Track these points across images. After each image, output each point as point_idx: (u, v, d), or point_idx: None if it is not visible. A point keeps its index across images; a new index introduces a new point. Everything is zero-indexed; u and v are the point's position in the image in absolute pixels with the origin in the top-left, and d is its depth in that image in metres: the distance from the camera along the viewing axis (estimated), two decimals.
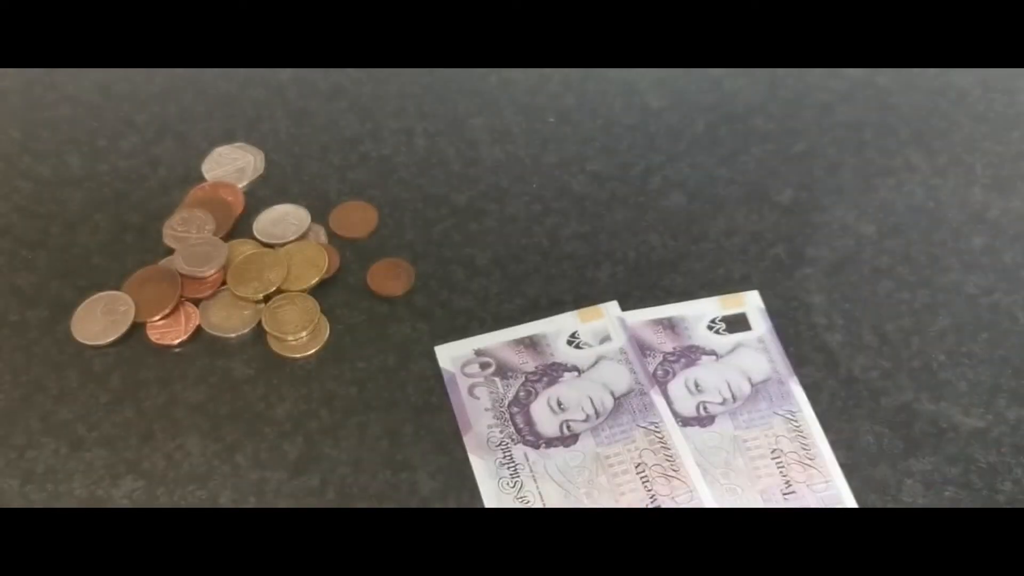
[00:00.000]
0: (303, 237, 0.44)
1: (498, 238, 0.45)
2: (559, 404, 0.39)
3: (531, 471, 0.37)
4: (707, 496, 0.36)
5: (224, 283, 0.42)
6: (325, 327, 0.41)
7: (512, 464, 0.37)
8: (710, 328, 0.41)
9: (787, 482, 0.37)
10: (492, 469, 0.37)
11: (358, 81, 0.52)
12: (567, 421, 0.38)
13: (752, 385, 0.39)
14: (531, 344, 0.41)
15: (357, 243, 0.45)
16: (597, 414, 0.38)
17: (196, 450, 0.38)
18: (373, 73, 0.52)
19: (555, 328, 0.41)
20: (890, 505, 0.36)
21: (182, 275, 0.42)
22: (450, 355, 0.40)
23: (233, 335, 0.41)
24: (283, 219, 0.45)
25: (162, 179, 0.47)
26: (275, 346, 0.41)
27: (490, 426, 0.38)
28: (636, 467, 0.37)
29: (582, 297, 0.43)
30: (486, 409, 0.38)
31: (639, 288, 0.43)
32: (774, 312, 0.42)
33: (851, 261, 0.44)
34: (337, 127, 0.49)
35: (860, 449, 0.38)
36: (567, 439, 0.38)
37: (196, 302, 0.42)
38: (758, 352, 0.40)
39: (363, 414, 0.39)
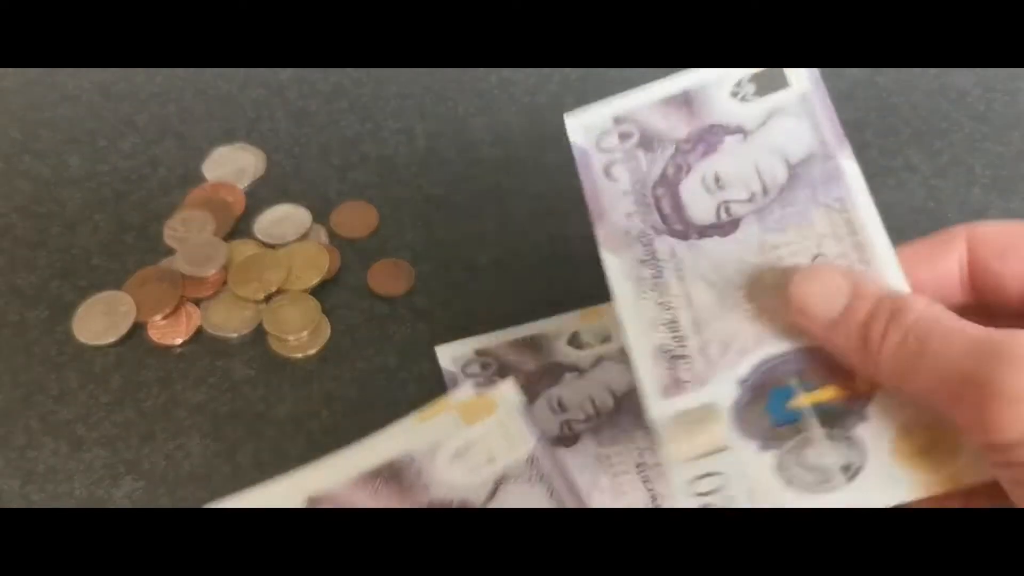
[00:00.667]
0: (304, 237, 0.44)
1: (498, 238, 0.45)
2: (559, 404, 0.39)
3: None
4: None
5: (225, 283, 0.42)
6: (326, 327, 0.41)
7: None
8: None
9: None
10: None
11: (358, 81, 0.52)
12: (568, 420, 0.38)
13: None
14: (532, 344, 0.40)
15: (357, 243, 0.45)
16: (598, 414, 0.38)
17: (196, 450, 0.38)
18: (373, 73, 0.52)
19: (555, 328, 0.40)
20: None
21: (183, 275, 0.42)
22: (451, 355, 0.40)
23: (234, 335, 0.41)
24: (284, 219, 0.45)
25: (162, 179, 0.47)
26: (276, 346, 0.41)
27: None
28: (636, 467, 0.37)
29: (583, 297, 0.43)
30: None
31: None
32: None
33: None
34: (337, 127, 0.49)
35: None
36: (567, 439, 0.38)
37: (197, 302, 0.42)
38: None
39: (363, 414, 0.39)
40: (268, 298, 0.42)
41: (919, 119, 0.51)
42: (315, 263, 0.43)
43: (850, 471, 0.26)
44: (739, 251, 0.28)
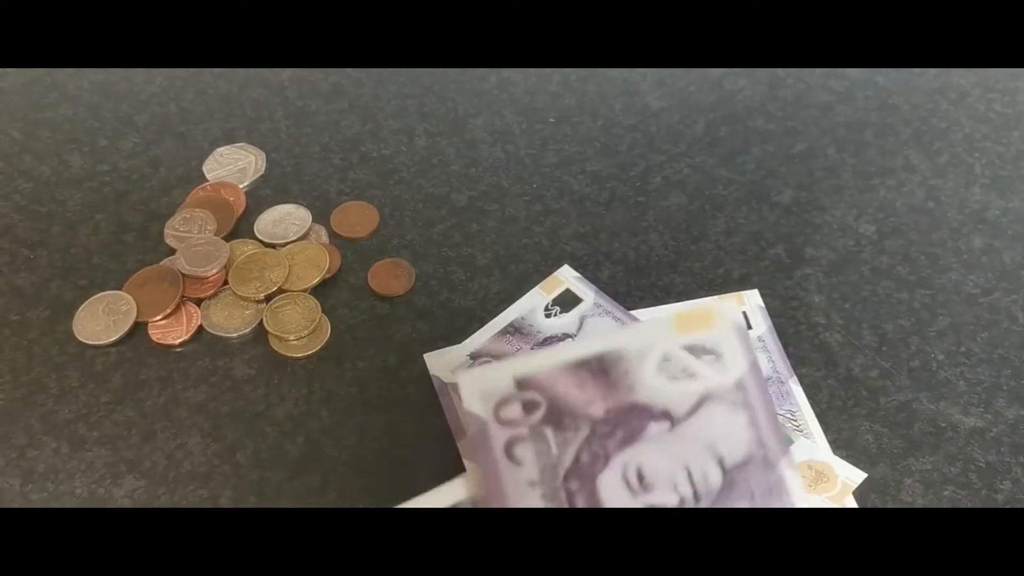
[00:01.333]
0: (304, 237, 0.44)
1: (498, 238, 0.45)
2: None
3: None
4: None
5: (225, 283, 0.42)
6: (326, 327, 0.41)
7: None
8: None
9: None
10: None
11: (358, 81, 0.52)
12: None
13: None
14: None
15: (358, 243, 0.45)
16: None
17: (197, 450, 0.38)
18: (373, 73, 0.52)
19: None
20: (890, 505, 0.36)
21: (183, 275, 0.42)
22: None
23: (234, 335, 0.41)
24: (284, 219, 0.45)
25: (163, 179, 0.47)
26: (276, 346, 0.41)
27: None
28: None
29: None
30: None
31: (639, 288, 0.43)
32: (774, 312, 0.42)
33: (851, 261, 0.44)
34: (337, 127, 0.49)
35: (860, 448, 0.38)
36: None
37: (197, 302, 0.42)
38: (758, 352, 0.40)
39: (363, 414, 0.39)
40: (268, 298, 0.42)
41: (919, 119, 0.51)
42: (315, 263, 0.43)
43: None
44: None
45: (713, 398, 0.28)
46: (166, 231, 0.44)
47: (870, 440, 0.38)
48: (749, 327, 0.41)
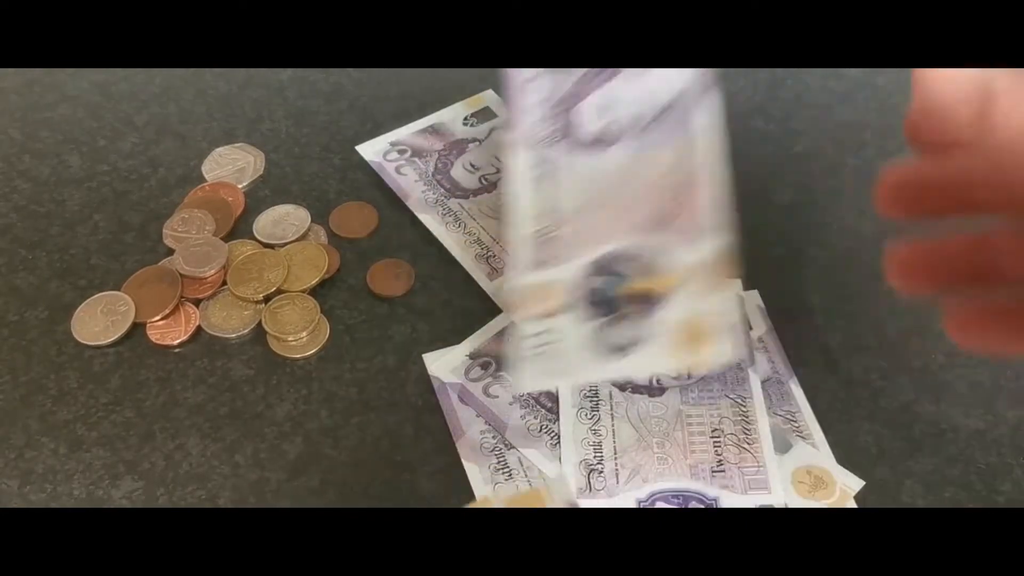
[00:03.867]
0: (303, 237, 0.44)
1: None
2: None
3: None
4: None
5: (224, 283, 0.42)
6: (325, 327, 0.41)
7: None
8: None
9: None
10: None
11: (358, 81, 0.52)
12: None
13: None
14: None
15: (357, 243, 0.45)
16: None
17: (196, 450, 0.38)
18: (373, 73, 0.52)
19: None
20: (890, 505, 0.36)
21: (182, 275, 0.42)
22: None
23: (233, 335, 0.41)
24: (283, 219, 0.45)
25: (162, 179, 0.47)
26: (275, 346, 0.41)
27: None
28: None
29: None
30: None
31: None
32: (774, 312, 0.42)
33: (851, 261, 0.44)
34: (337, 127, 0.49)
35: (860, 449, 0.38)
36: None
37: (196, 302, 0.42)
38: (758, 352, 0.40)
39: (363, 414, 0.39)
40: (267, 298, 0.42)
41: None
42: (315, 263, 0.43)
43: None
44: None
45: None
46: (165, 231, 0.44)
47: (870, 441, 0.38)
48: (750, 327, 0.41)
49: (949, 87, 0.29)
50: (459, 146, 0.48)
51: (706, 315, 0.31)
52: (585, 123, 0.35)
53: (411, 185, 0.45)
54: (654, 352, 0.31)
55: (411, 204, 0.44)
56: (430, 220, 0.44)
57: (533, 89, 0.35)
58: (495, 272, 0.42)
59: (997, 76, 0.29)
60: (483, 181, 0.45)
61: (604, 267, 0.32)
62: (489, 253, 0.42)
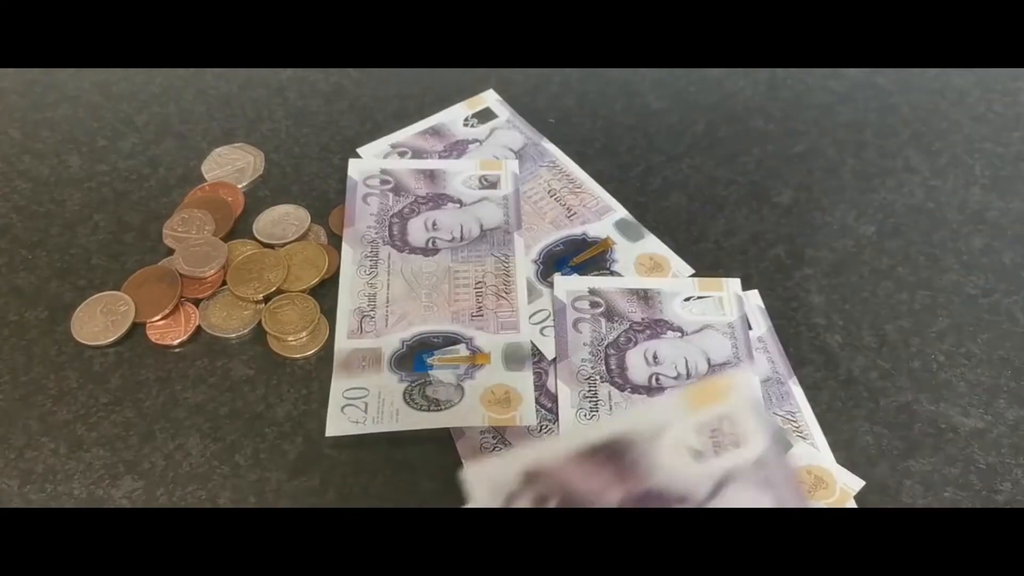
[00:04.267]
0: (303, 237, 0.44)
1: None
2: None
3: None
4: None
5: (224, 283, 0.42)
6: (325, 327, 0.41)
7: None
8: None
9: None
10: None
11: (358, 81, 0.52)
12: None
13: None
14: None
15: None
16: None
17: (196, 450, 0.38)
18: (373, 73, 0.52)
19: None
20: (890, 505, 0.36)
21: (182, 275, 0.42)
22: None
23: (233, 335, 0.41)
24: (283, 219, 0.45)
25: (162, 179, 0.47)
26: (275, 346, 0.41)
27: None
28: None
29: None
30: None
31: None
32: (774, 312, 0.42)
33: (851, 261, 0.44)
34: (337, 127, 0.49)
35: (860, 449, 0.38)
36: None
37: (196, 302, 0.42)
38: (758, 352, 0.40)
39: None
40: (267, 298, 0.42)
41: (919, 119, 0.51)
42: (314, 263, 0.43)
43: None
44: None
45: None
46: (165, 231, 0.44)
47: (870, 441, 0.38)
48: (750, 327, 0.41)
49: None
50: (460, 147, 0.48)
51: (508, 385, 0.39)
52: (412, 234, 0.44)
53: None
54: (466, 410, 0.38)
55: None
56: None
57: (372, 201, 0.45)
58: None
59: None
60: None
61: (418, 343, 0.40)
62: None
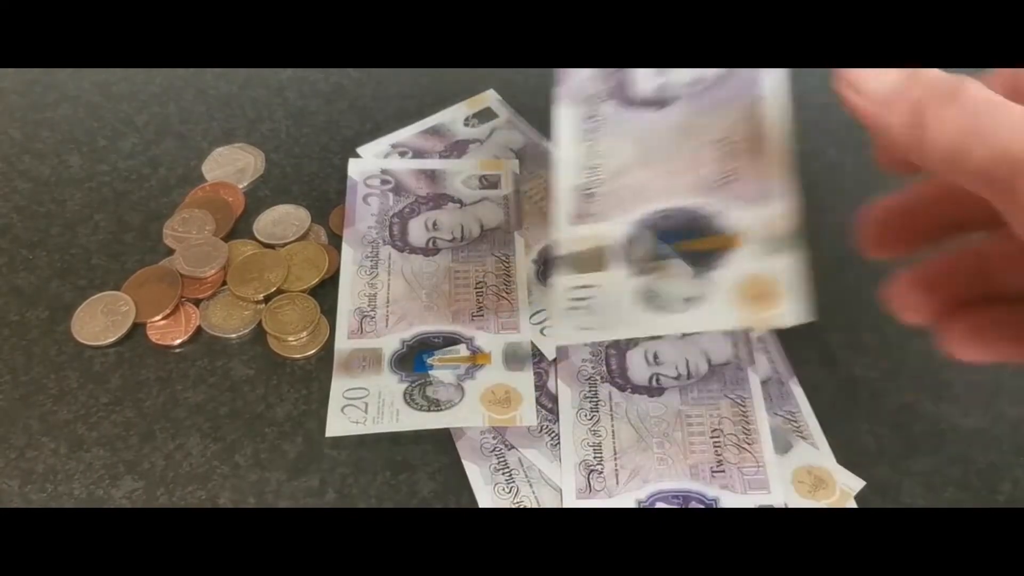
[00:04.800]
0: (303, 237, 0.44)
1: None
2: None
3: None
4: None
5: (224, 283, 0.42)
6: (325, 327, 0.41)
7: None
8: None
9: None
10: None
11: (358, 81, 0.52)
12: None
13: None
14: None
15: None
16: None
17: (196, 450, 0.38)
18: (373, 73, 0.52)
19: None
20: (890, 505, 0.36)
21: (182, 275, 0.42)
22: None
23: (233, 335, 0.41)
24: (283, 219, 0.45)
25: (162, 179, 0.47)
26: (275, 346, 0.41)
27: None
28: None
29: None
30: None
31: None
32: None
33: (851, 261, 0.44)
34: (337, 127, 0.49)
35: (860, 449, 0.38)
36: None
37: (196, 302, 0.42)
38: (757, 352, 0.40)
39: None
40: (267, 298, 0.42)
41: None
42: (315, 263, 0.43)
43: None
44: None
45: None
46: (165, 231, 0.44)
47: (870, 441, 0.38)
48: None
49: (876, 90, 0.28)
50: (460, 147, 0.48)
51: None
52: (639, 82, 0.34)
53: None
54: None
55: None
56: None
57: (372, 201, 0.43)
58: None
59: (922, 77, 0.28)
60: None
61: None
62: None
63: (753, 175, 0.32)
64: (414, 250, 0.43)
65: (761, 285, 0.30)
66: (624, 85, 0.34)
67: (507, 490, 0.37)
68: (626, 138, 0.33)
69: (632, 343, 0.40)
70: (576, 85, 0.34)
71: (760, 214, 0.31)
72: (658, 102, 0.33)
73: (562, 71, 0.34)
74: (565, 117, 0.34)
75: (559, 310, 0.31)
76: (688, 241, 0.31)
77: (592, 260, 0.31)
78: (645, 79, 0.33)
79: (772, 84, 0.34)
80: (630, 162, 0.32)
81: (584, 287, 0.31)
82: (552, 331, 0.35)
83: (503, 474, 0.37)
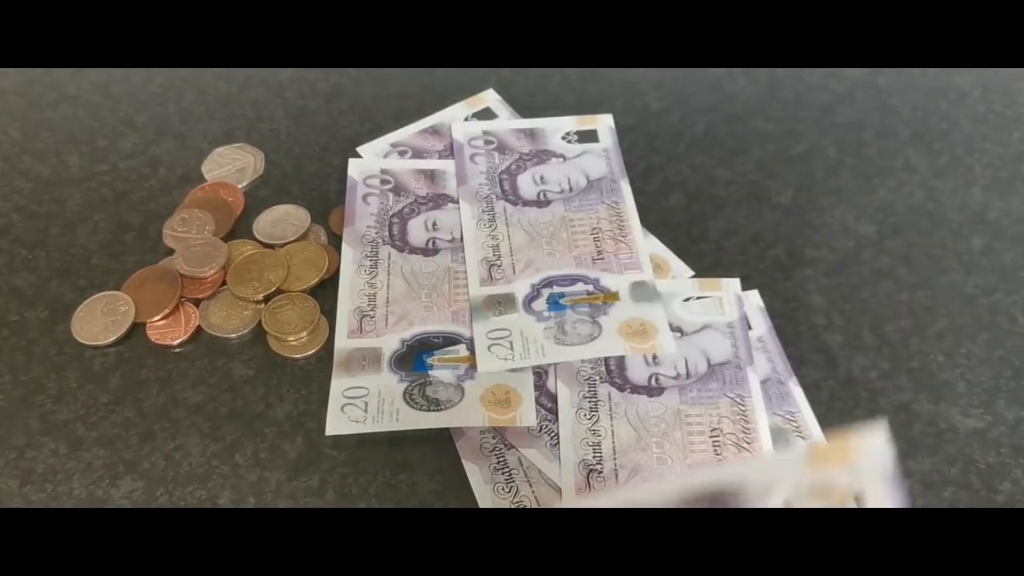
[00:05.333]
0: (303, 237, 0.44)
1: None
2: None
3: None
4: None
5: (224, 283, 0.42)
6: (325, 327, 0.41)
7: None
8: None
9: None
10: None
11: (358, 81, 0.52)
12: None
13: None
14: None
15: None
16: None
17: (196, 450, 0.38)
18: (373, 73, 0.52)
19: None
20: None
21: (182, 275, 0.42)
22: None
23: (233, 335, 0.41)
24: (283, 219, 0.45)
25: (162, 179, 0.47)
26: (275, 346, 0.41)
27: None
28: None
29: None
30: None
31: None
32: (774, 312, 0.42)
33: (851, 261, 0.44)
34: (337, 127, 0.49)
35: None
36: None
37: (196, 302, 0.42)
38: (757, 352, 0.40)
39: None
40: (267, 298, 0.42)
41: (919, 119, 0.51)
42: (314, 263, 0.43)
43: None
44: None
45: None
46: (165, 231, 0.44)
47: None
48: (750, 327, 0.41)
49: None
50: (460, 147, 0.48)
51: (510, 386, 0.39)
52: (412, 234, 0.44)
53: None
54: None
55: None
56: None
57: (372, 201, 0.45)
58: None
59: None
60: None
61: (420, 343, 0.40)
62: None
63: (619, 255, 0.43)
64: (414, 250, 0.43)
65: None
66: (511, 190, 0.45)
67: (507, 490, 0.37)
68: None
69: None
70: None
71: (627, 280, 0.42)
72: (538, 204, 0.45)
73: (459, 176, 0.46)
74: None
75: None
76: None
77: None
78: (527, 187, 0.46)
79: (623, 195, 0.45)
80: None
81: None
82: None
83: (503, 474, 0.37)
